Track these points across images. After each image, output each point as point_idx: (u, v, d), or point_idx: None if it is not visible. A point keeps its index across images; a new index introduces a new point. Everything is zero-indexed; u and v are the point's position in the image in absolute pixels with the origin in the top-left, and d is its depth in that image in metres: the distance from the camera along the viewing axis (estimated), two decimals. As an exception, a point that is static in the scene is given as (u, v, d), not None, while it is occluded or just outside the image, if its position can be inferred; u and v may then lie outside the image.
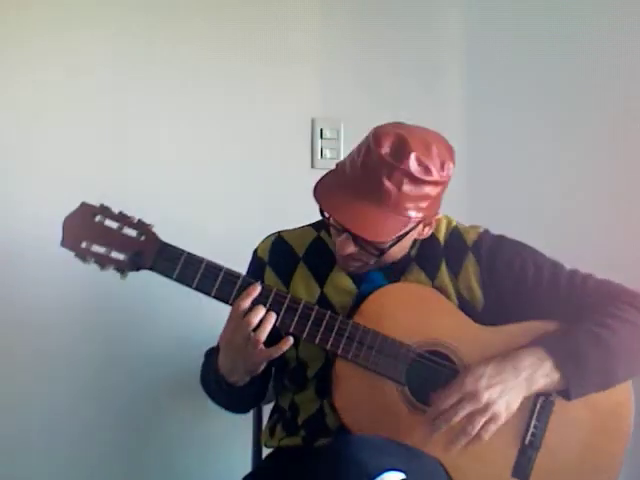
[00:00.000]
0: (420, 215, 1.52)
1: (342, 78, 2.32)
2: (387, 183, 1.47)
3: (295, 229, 1.75)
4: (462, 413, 1.45)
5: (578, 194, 2.30)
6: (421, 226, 1.58)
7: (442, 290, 1.62)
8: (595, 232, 2.23)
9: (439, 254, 1.64)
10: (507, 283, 1.61)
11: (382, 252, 1.55)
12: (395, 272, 1.64)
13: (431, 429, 1.48)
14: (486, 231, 1.67)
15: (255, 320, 1.51)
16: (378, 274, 1.64)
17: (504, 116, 2.38)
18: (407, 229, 1.53)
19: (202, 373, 1.73)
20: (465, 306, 1.61)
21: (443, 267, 1.63)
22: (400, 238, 1.54)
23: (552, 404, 1.56)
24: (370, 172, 1.49)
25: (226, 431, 2.08)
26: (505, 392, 1.46)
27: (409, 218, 1.50)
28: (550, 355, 1.50)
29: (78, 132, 2.00)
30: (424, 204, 1.51)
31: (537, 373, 1.49)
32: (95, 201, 2.00)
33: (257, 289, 1.53)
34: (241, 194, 2.19)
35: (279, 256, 1.70)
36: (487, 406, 1.45)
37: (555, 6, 2.35)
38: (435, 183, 1.51)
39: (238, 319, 1.52)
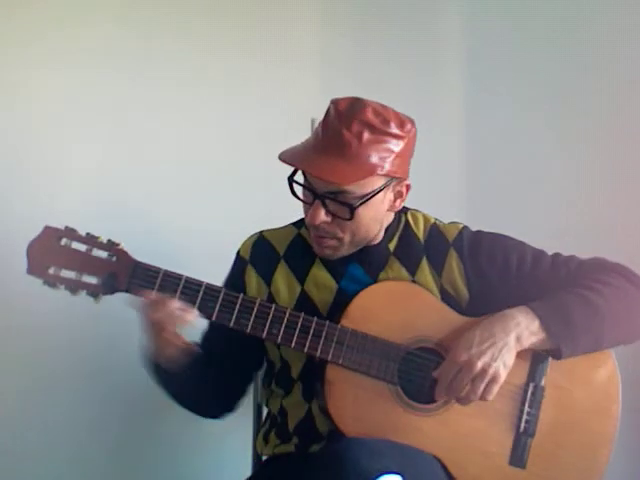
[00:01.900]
0: (385, 167, 1.52)
1: (342, 78, 2.32)
2: (347, 134, 1.50)
3: (277, 228, 1.75)
4: (462, 384, 1.50)
5: (577, 194, 2.30)
6: (391, 194, 1.58)
7: (423, 287, 1.62)
8: (595, 231, 2.23)
9: (419, 251, 1.65)
10: (492, 276, 1.63)
11: (352, 211, 1.52)
12: (375, 267, 1.64)
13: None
14: (465, 227, 1.69)
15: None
16: (358, 269, 1.64)
17: (504, 116, 2.38)
18: (377, 187, 1.53)
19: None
20: (449, 302, 1.62)
21: (424, 264, 1.64)
22: (369, 196, 1.53)
23: (542, 389, 1.59)
24: (330, 128, 1.52)
25: (227, 432, 2.08)
26: (497, 354, 1.50)
27: (373, 166, 1.50)
28: (537, 314, 1.53)
29: (77, 132, 2.00)
30: (388, 158, 1.52)
31: (526, 331, 1.52)
32: (95, 200, 2.01)
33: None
34: (241, 194, 2.19)
35: (260, 255, 1.69)
36: (484, 371, 1.49)
37: (555, 6, 2.35)
38: (397, 137, 1.52)
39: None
